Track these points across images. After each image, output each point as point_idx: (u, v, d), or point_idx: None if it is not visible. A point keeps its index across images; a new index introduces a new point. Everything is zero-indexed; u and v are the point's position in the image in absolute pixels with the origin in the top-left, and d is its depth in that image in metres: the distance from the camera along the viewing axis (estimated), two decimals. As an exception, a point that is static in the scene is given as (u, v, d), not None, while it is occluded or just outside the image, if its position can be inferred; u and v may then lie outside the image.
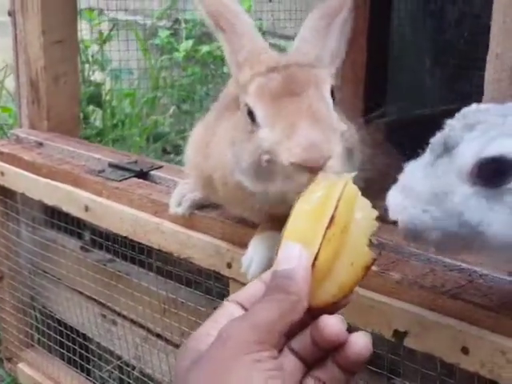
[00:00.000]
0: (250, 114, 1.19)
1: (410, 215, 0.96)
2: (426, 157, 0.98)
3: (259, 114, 1.17)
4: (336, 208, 0.94)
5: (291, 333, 0.92)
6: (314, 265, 0.91)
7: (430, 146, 0.99)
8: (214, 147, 1.36)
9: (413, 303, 1.26)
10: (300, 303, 0.88)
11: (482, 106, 1.00)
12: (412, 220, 0.96)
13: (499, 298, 1.20)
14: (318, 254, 0.92)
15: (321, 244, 0.92)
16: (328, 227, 0.92)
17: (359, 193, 0.96)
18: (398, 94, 3.43)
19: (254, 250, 1.40)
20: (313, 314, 0.91)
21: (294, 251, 0.91)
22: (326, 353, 0.91)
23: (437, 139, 0.98)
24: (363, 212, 0.97)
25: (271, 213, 1.36)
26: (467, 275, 1.30)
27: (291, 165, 1.09)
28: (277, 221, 1.38)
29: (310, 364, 0.93)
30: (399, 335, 1.25)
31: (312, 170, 1.07)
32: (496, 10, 1.33)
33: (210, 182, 1.41)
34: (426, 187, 0.96)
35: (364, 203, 0.96)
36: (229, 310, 0.93)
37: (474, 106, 1.00)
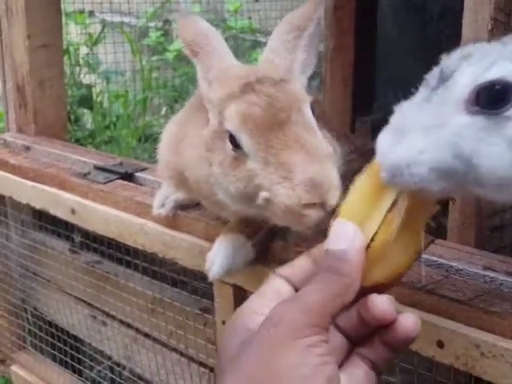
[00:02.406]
0: (233, 139, 1.15)
1: (396, 153, 0.87)
2: (421, 93, 0.90)
3: (246, 144, 1.13)
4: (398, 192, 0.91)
5: None
6: (369, 246, 0.89)
7: (424, 81, 0.91)
8: (187, 148, 1.35)
9: (390, 299, 1.28)
10: (352, 286, 0.85)
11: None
12: (397, 157, 0.87)
13: (473, 293, 1.22)
14: (374, 235, 0.89)
15: (379, 226, 0.90)
16: (389, 210, 0.90)
17: None
18: (386, 90, 3.45)
19: (218, 250, 1.40)
20: (361, 292, 0.88)
21: (349, 230, 0.88)
22: (372, 331, 0.89)
23: (432, 73, 0.90)
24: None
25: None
26: (444, 270, 1.32)
27: (296, 206, 1.07)
28: (246, 223, 1.39)
29: (355, 341, 0.90)
30: (377, 330, 1.27)
31: (316, 206, 1.07)
32: (467, 9, 1.36)
33: (184, 180, 1.39)
34: (419, 123, 0.87)
35: None
36: (276, 285, 0.91)
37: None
